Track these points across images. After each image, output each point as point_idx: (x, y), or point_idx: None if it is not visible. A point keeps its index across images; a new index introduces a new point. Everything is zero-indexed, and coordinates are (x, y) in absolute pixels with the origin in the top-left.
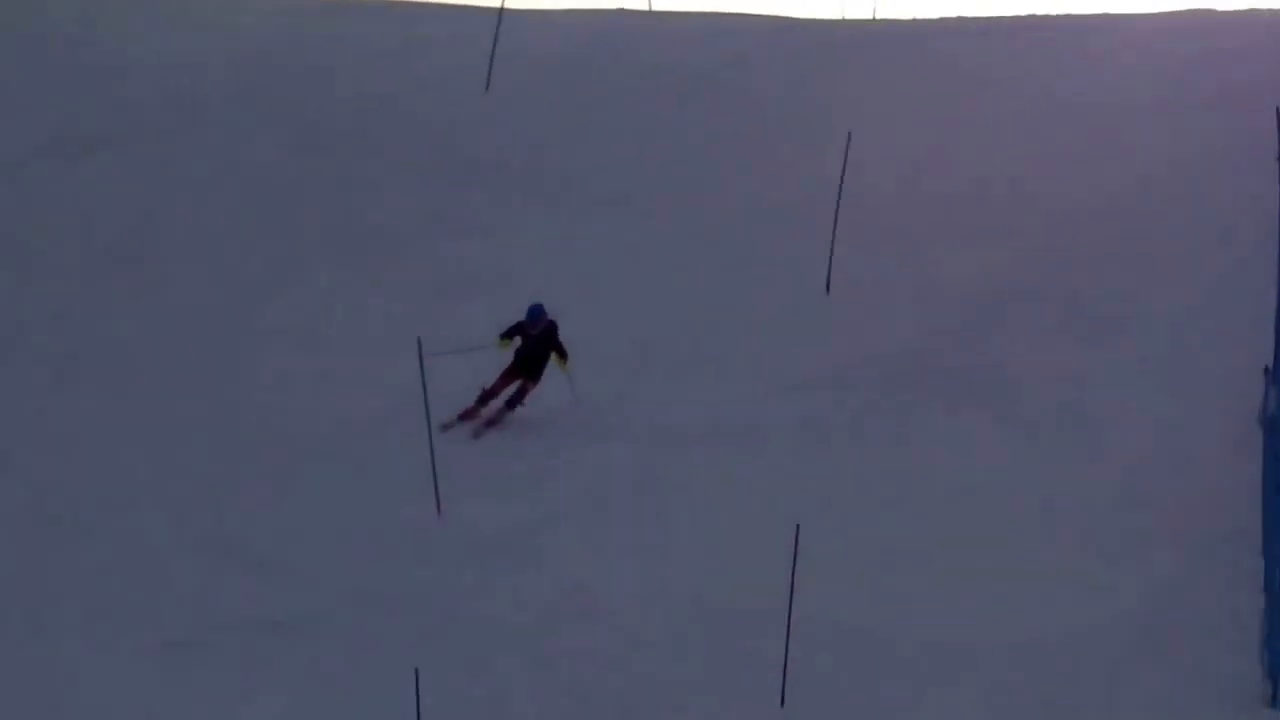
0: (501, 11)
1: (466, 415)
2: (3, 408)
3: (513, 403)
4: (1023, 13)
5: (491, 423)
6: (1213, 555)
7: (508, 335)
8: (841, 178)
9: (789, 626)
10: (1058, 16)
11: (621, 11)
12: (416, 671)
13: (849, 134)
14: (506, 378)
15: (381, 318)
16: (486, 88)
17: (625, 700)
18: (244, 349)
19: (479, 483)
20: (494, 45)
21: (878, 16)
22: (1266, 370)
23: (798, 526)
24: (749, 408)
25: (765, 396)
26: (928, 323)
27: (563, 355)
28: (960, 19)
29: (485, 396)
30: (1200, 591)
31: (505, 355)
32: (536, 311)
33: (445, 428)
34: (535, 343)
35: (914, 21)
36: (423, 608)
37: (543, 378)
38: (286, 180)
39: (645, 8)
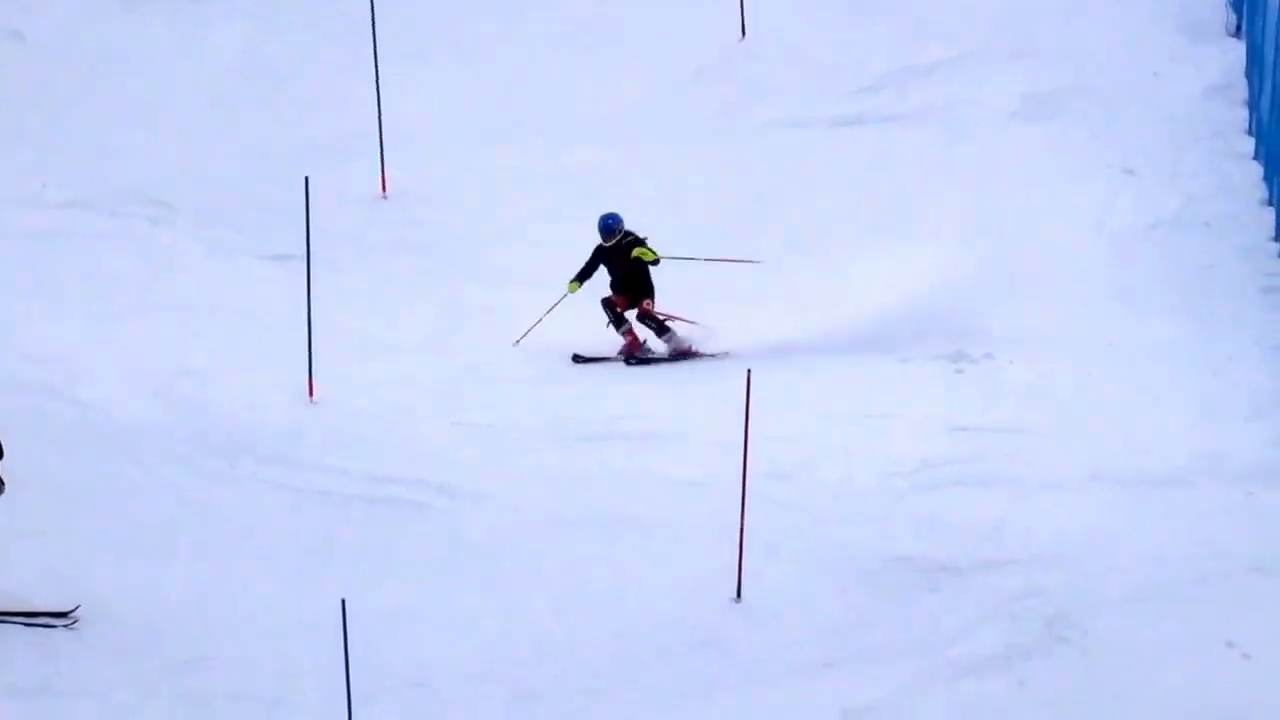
0: None
1: (629, 348)
2: None
3: (661, 330)
4: None
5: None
6: None
7: (580, 277)
8: None
9: None
10: None
11: None
12: None
13: None
14: (621, 306)
15: None
16: None
17: None
18: None
19: None
20: None
21: None
22: None
23: None
24: None
25: None
26: None
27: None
28: None
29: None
30: None
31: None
32: (610, 223)
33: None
34: (621, 259)
35: None
36: None
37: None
38: None
39: None
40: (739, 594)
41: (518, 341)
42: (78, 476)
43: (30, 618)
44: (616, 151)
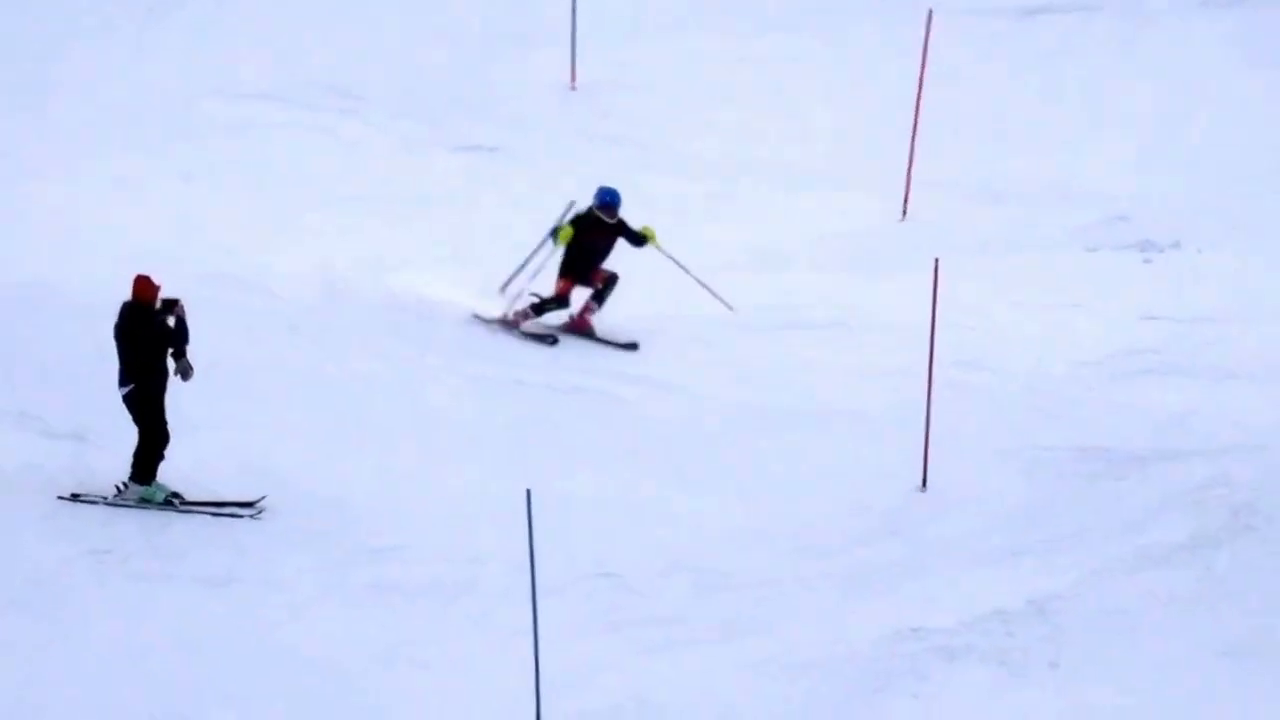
0: None
1: (512, 322)
2: None
3: (601, 297)
4: None
5: (577, 328)
6: None
7: (573, 224)
8: None
9: None
10: None
11: None
12: None
13: None
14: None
15: None
16: None
17: None
18: None
19: None
20: None
21: None
22: None
23: None
24: None
25: None
26: None
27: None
28: None
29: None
30: None
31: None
32: (612, 197)
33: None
34: (607, 235)
35: None
36: None
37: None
38: None
39: None
40: (924, 483)
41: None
42: (266, 365)
43: (217, 508)
44: (805, 37)
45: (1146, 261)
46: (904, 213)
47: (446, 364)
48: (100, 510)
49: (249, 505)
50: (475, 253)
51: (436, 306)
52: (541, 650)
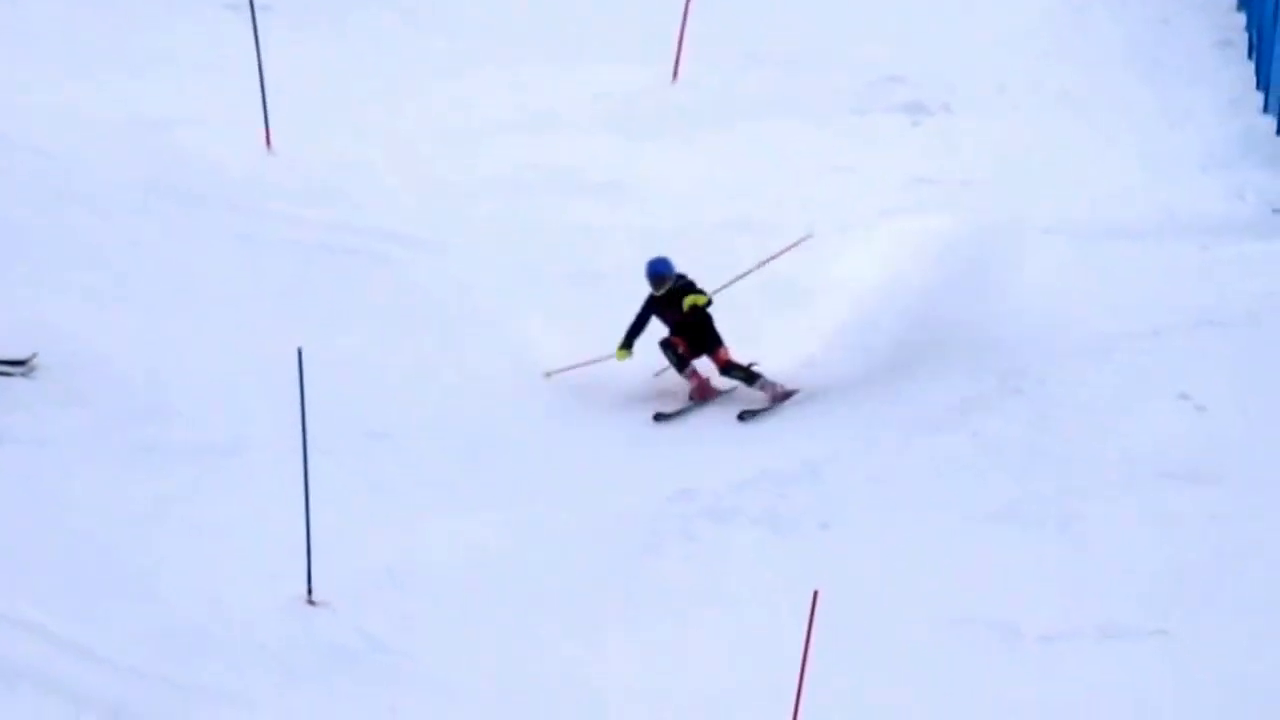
0: None
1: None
2: None
3: (751, 378)
4: None
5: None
6: None
7: (630, 339)
8: None
9: None
10: None
11: None
12: None
13: None
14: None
15: None
16: None
17: None
18: None
19: None
20: None
21: None
22: None
23: None
24: None
25: None
26: None
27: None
28: None
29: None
30: None
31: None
32: (661, 269)
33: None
34: (675, 307)
35: None
36: None
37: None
38: None
39: None
40: None
41: (549, 375)
42: (36, 226)
43: None
44: None
45: (915, 124)
46: (675, 75)
47: (215, 222)
48: None
49: (20, 363)
50: (250, 111)
51: (208, 165)
52: (312, 510)
